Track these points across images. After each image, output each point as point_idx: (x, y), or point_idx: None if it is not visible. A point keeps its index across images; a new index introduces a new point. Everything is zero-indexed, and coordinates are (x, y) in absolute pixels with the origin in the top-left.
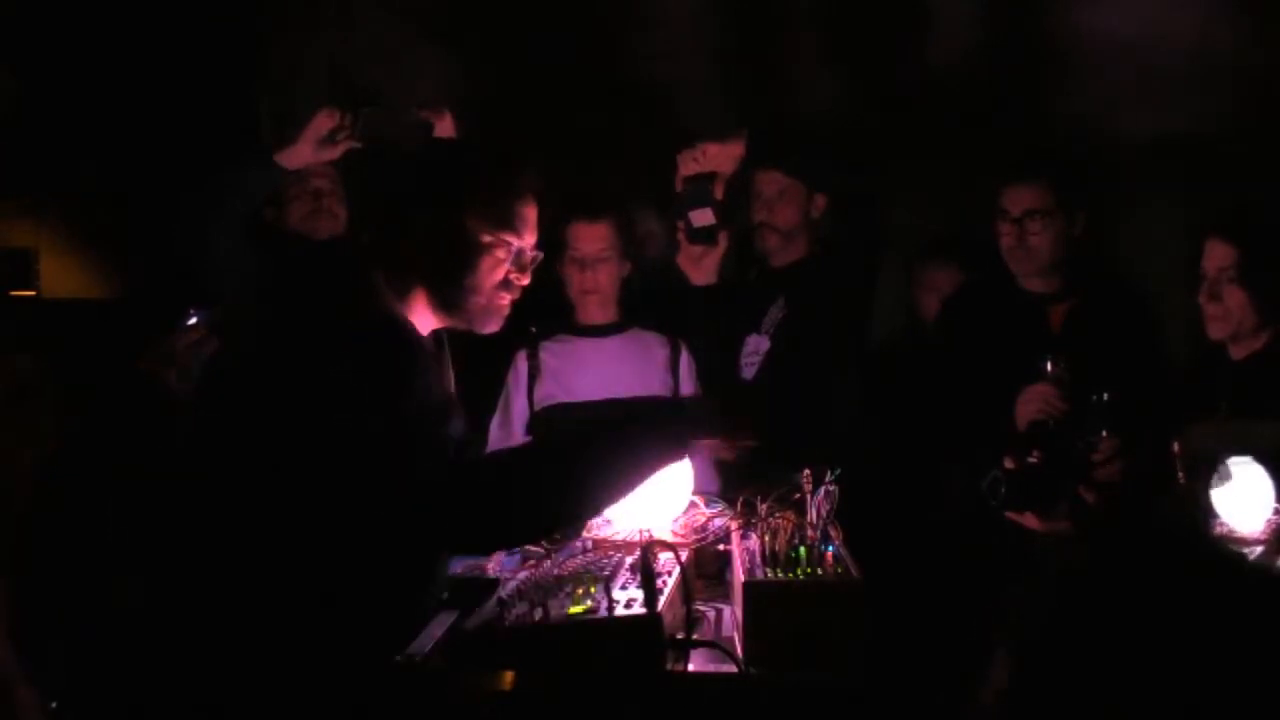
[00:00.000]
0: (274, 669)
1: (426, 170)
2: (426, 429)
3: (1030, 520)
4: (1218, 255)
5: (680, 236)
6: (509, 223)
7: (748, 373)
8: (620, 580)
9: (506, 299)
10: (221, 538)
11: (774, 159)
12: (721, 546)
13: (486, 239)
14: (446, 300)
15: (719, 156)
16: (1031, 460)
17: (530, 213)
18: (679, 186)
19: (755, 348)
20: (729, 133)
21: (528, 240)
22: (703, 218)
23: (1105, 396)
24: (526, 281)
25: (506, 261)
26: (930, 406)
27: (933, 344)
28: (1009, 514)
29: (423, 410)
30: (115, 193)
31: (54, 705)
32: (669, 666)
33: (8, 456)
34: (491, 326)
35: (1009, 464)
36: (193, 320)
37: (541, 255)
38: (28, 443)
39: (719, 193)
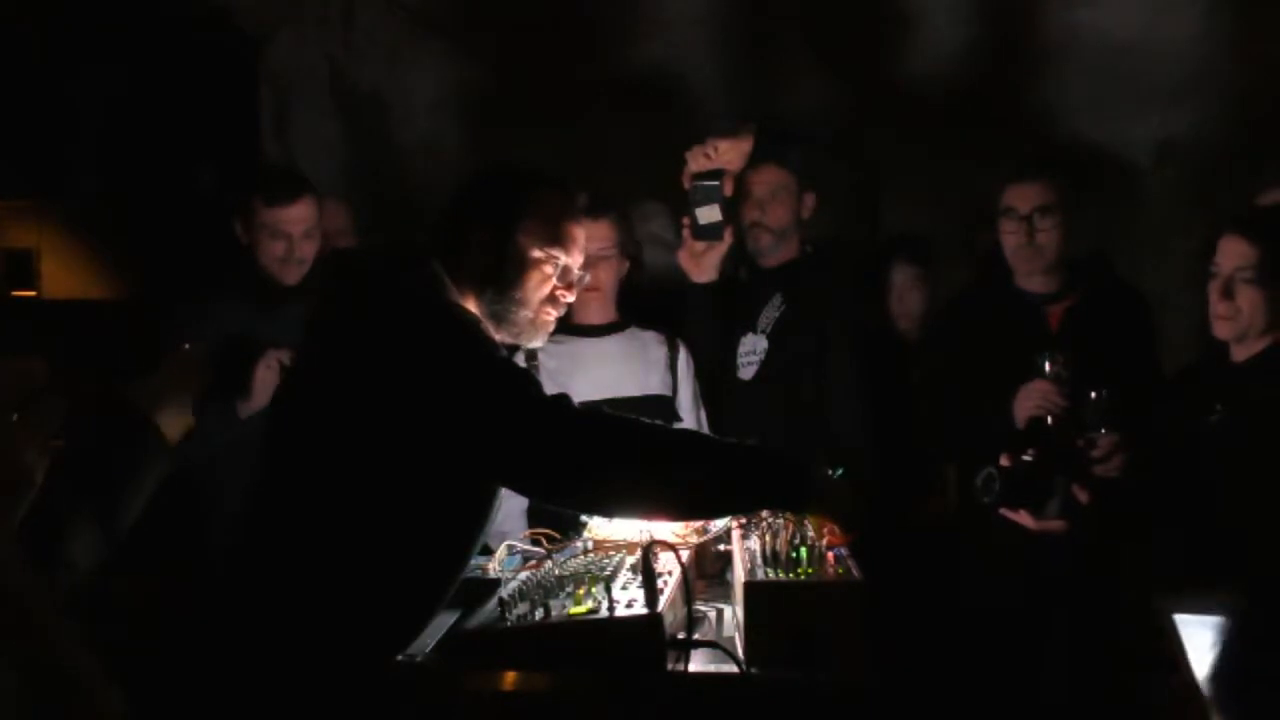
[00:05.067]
0: (283, 666)
1: (483, 187)
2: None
3: (1024, 518)
4: (1235, 253)
5: (685, 233)
6: (559, 240)
7: (746, 373)
8: (621, 580)
9: (552, 314)
10: (285, 530)
11: (771, 155)
12: (722, 546)
13: (536, 255)
14: (496, 312)
15: (729, 153)
16: (1025, 458)
17: (578, 232)
18: (686, 183)
19: (752, 347)
20: (739, 129)
21: (575, 258)
22: (710, 215)
23: (1104, 394)
24: (572, 298)
25: (554, 277)
26: (930, 405)
27: (925, 343)
28: (1003, 511)
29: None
30: (116, 194)
31: None
32: (670, 667)
33: (19, 459)
34: (536, 340)
35: (1004, 461)
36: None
37: (587, 275)
38: (38, 446)
39: (727, 189)
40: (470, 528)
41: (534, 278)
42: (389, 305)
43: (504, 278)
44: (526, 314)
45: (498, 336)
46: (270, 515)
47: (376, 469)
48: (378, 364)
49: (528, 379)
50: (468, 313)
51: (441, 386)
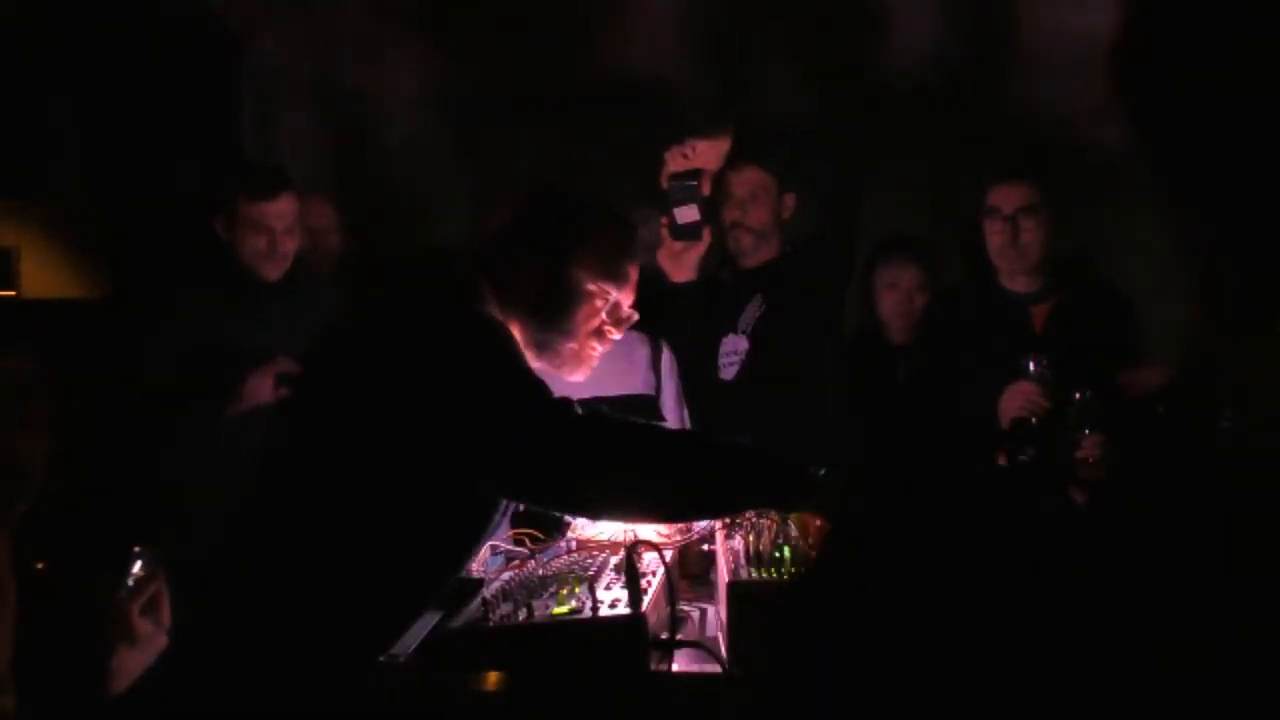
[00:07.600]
0: (266, 665)
1: (542, 211)
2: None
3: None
4: None
5: (664, 232)
6: (615, 275)
7: (727, 373)
8: (605, 580)
9: (597, 349)
10: (283, 526)
11: (751, 155)
12: (706, 546)
13: (590, 287)
14: (540, 341)
15: (707, 153)
16: (1023, 459)
17: (634, 270)
18: (664, 183)
19: (733, 347)
20: (717, 129)
21: (626, 296)
22: (688, 214)
23: (1088, 394)
24: (619, 335)
25: (603, 312)
26: (914, 406)
27: (913, 343)
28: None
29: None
30: (97, 194)
31: None
32: (653, 667)
33: (9, 458)
34: (579, 374)
35: (1001, 462)
36: (137, 571)
37: (637, 315)
38: (30, 445)
39: (705, 188)
40: (469, 538)
41: (584, 311)
42: (425, 316)
43: (554, 307)
44: (571, 346)
45: (536, 364)
46: (269, 515)
47: (378, 472)
48: (388, 367)
49: (539, 386)
50: (496, 321)
51: (448, 390)
